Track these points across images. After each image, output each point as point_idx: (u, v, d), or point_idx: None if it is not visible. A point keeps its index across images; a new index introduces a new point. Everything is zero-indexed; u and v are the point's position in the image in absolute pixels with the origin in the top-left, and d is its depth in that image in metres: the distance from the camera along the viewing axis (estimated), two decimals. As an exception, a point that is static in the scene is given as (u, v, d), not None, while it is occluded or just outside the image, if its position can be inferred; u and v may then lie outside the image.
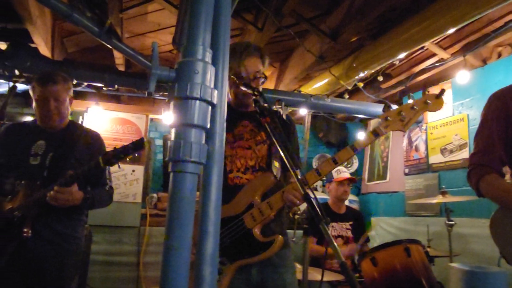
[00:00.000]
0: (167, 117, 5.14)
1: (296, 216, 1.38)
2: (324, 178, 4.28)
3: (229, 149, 1.88)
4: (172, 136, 0.94)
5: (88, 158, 2.21)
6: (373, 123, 6.07)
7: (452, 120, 4.38)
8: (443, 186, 3.24)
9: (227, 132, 1.87)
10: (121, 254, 4.59)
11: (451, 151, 4.35)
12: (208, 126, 1.00)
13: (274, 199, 1.74)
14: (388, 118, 1.73)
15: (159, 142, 5.65)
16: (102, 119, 4.78)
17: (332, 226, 3.75)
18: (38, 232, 2.02)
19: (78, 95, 4.64)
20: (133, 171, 4.70)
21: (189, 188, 0.93)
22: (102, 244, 4.50)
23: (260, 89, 1.86)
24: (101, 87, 3.92)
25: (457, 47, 3.92)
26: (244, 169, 1.87)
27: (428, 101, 1.74)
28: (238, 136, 1.92)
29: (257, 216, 1.74)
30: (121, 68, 4.26)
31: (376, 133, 1.73)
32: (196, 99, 0.95)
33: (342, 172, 3.87)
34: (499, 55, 4.07)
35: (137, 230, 4.67)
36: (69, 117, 2.36)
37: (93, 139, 2.37)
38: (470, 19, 3.04)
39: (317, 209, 1.19)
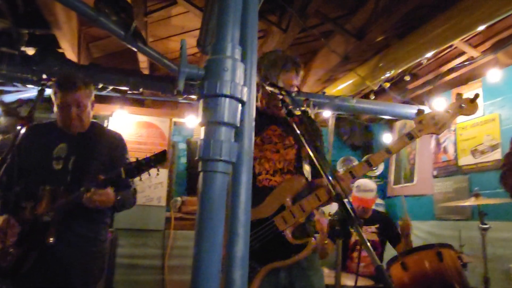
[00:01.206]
0: (191, 120, 5.16)
1: (329, 218, 1.34)
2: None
3: (258, 151, 1.88)
4: (202, 135, 0.92)
5: (110, 160, 2.22)
6: (399, 125, 5.94)
7: (483, 120, 4.23)
8: (476, 188, 3.12)
9: (256, 136, 1.86)
10: (146, 258, 4.62)
11: (483, 152, 4.19)
12: (238, 125, 0.97)
13: (306, 201, 1.72)
14: (422, 121, 1.73)
15: (182, 145, 5.68)
16: (127, 123, 4.84)
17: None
18: (62, 236, 2.02)
19: (103, 100, 4.72)
20: (157, 174, 4.73)
21: (219, 188, 0.91)
22: (127, 248, 4.54)
23: None
24: (126, 91, 3.97)
25: (487, 44, 3.78)
26: (273, 171, 1.88)
27: (462, 105, 1.75)
28: (266, 140, 1.94)
29: (288, 219, 1.71)
30: (146, 72, 4.30)
31: (411, 136, 1.73)
32: (226, 96, 0.93)
33: (366, 191, 3.62)
34: (533, 52, 3.91)
35: (162, 234, 4.70)
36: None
37: (115, 140, 2.35)
38: (501, 16, 2.93)
39: (350, 210, 1.15)
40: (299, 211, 1.72)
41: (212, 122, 0.92)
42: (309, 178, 1.92)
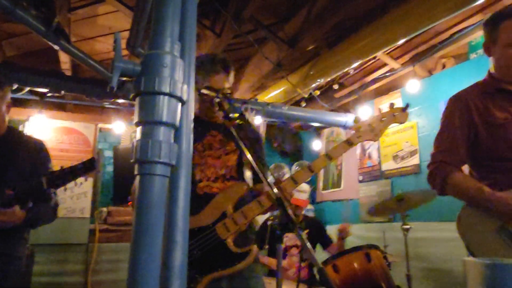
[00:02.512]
0: (118, 126, 4.91)
1: (269, 223, 1.31)
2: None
3: (199, 158, 1.83)
4: (138, 135, 0.85)
5: (30, 169, 2.01)
6: (326, 132, 6.17)
7: (402, 128, 4.54)
8: (399, 191, 3.32)
9: (196, 142, 1.83)
10: (66, 274, 4.27)
11: (403, 158, 4.49)
12: (178, 125, 0.92)
13: (249, 208, 1.68)
14: (360, 129, 1.78)
15: (108, 153, 5.38)
16: (46, 129, 4.48)
17: (287, 236, 3.71)
18: None
19: (19, 103, 4.32)
20: (80, 183, 4.42)
21: (158, 192, 0.84)
22: (45, 265, 4.17)
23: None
24: (45, 94, 3.65)
25: (406, 57, 4.08)
26: (214, 178, 1.83)
27: (395, 113, 1.83)
28: (207, 146, 1.89)
29: (230, 226, 1.67)
30: (68, 73, 4.01)
31: (350, 143, 1.78)
32: (165, 94, 0.87)
33: (301, 192, 3.78)
34: (444, 66, 4.29)
35: (85, 248, 4.39)
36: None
37: (36, 147, 2.15)
38: (418, 31, 3.18)
39: (291, 215, 1.13)
40: (241, 218, 1.68)
41: (150, 122, 0.86)
42: (251, 184, 1.90)
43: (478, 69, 3.61)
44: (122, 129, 5.02)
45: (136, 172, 0.82)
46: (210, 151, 1.86)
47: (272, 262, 3.47)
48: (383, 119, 1.81)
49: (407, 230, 3.14)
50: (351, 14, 3.24)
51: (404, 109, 1.84)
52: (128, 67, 0.88)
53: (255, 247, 1.68)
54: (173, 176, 0.88)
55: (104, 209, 4.66)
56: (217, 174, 1.83)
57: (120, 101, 3.92)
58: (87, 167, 1.81)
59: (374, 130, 1.79)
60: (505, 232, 1.54)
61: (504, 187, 1.59)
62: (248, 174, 1.86)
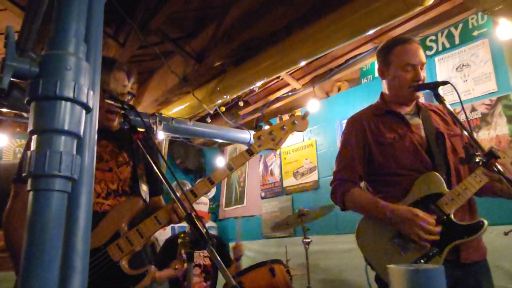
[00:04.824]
0: None
1: (179, 240, 1.24)
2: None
3: None
4: (33, 146, 0.74)
5: None
6: (229, 149, 6.23)
7: (302, 146, 4.78)
8: (300, 206, 3.45)
9: None
10: None
11: (303, 174, 4.71)
12: (82, 135, 0.83)
13: (144, 226, 1.56)
14: (261, 137, 1.78)
15: (-14, 168, 4.73)
16: None
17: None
18: None
19: None
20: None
21: (57, 211, 0.75)
22: None
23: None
24: None
25: (307, 78, 4.33)
26: (106, 194, 1.66)
27: (295, 121, 1.86)
28: (96, 157, 1.69)
29: (124, 247, 1.53)
30: None
31: (250, 152, 1.75)
32: (68, 100, 0.78)
33: (201, 204, 3.77)
34: (339, 89, 4.64)
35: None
36: None
37: None
38: (318, 55, 3.41)
39: (202, 231, 1.09)
40: (136, 237, 1.56)
41: (48, 130, 0.76)
42: (147, 199, 1.78)
43: (368, 93, 3.98)
44: (4, 142, 4.48)
45: (29, 188, 0.72)
46: (99, 164, 1.69)
47: (161, 275, 3.22)
48: (283, 127, 1.81)
49: (308, 243, 3.28)
50: (257, 34, 3.34)
51: (303, 117, 1.87)
52: (23, 67, 0.77)
53: (152, 268, 1.56)
54: (73, 192, 0.79)
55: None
56: (108, 190, 1.67)
57: (4, 110, 3.49)
58: None
59: (275, 139, 1.79)
60: (397, 240, 1.68)
61: (395, 199, 1.75)
62: (144, 188, 1.73)
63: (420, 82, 1.80)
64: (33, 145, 0.74)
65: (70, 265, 0.75)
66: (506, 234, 1.41)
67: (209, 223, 5.54)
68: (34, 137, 0.75)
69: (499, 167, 1.49)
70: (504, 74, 3.11)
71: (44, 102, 0.76)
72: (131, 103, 1.68)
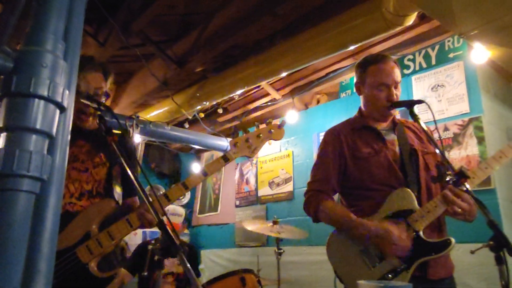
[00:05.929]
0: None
1: (150, 246, 1.22)
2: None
3: None
4: (2, 143, 0.72)
5: None
6: (206, 156, 6.20)
7: (279, 156, 4.80)
8: (275, 216, 3.45)
9: None
10: None
11: (278, 184, 4.72)
12: (54, 134, 0.81)
13: (116, 228, 1.54)
14: (237, 144, 1.77)
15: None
16: None
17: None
18: None
19: None
20: None
21: (23, 212, 0.73)
22: None
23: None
24: None
25: (287, 89, 4.36)
26: (79, 194, 1.64)
27: (271, 130, 1.87)
28: (72, 157, 1.67)
29: (94, 248, 1.51)
30: None
31: (226, 159, 1.75)
32: (42, 98, 0.76)
33: (176, 215, 3.70)
34: (318, 101, 4.70)
35: None
36: None
37: None
38: (299, 67, 3.46)
39: (173, 238, 1.07)
40: (107, 239, 1.53)
41: (19, 128, 0.74)
42: (120, 201, 1.75)
43: (347, 107, 4.04)
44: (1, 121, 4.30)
45: (-5, 187, 0.69)
46: (75, 163, 1.67)
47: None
48: (260, 135, 1.81)
49: (280, 253, 3.27)
50: (240, 42, 3.36)
51: (279, 126, 1.87)
52: (-4, 62, 0.75)
53: (121, 270, 1.54)
54: (42, 193, 0.77)
55: None
56: (82, 190, 1.66)
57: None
58: None
59: (251, 147, 1.79)
60: (366, 254, 1.69)
61: (367, 213, 1.77)
62: (118, 190, 1.72)
63: (394, 101, 1.84)
64: (1, 143, 0.72)
65: (34, 267, 0.73)
66: (472, 252, 1.44)
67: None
68: (3, 135, 0.73)
69: (468, 186, 1.53)
70: (476, 96, 3.22)
71: (17, 99, 0.74)
72: (107, 103, 1.66)
